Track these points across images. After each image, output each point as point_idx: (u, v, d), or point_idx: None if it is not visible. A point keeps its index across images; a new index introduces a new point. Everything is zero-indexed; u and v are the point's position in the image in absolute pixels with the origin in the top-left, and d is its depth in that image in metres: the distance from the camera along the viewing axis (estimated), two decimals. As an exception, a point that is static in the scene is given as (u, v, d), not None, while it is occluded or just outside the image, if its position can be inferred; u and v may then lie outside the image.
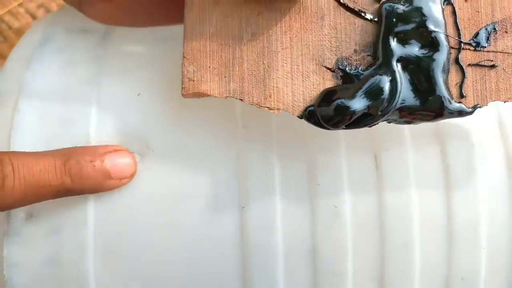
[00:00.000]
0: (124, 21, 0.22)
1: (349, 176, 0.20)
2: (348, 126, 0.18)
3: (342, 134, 0.21)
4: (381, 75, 0.18)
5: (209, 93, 0.19)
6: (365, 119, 0.18)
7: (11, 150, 0.20)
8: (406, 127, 0.21)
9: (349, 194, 0.20)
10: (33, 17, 0.41)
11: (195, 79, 0.19)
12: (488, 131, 0.21)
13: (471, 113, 0.18)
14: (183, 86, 0.19)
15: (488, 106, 0.18)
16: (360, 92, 0.18)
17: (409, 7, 0.18)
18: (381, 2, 0.19)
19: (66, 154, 0.19)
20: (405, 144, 0.21)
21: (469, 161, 0.20)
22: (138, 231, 0.20)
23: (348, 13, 0.19)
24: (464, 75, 0.18)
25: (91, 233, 0.20)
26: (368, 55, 0.19)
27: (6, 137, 0.20)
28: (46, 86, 0.21)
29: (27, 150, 0.19)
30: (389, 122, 0.19)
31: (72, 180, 0.19)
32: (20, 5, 0.41)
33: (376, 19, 0.19)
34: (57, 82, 0.21)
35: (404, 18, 0.18)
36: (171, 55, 0.22)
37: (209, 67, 0.19)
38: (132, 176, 0.20)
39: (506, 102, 0.18)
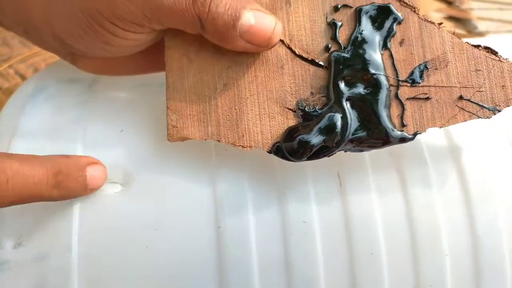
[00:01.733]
0: (111, 72, 0.26)
1: (316, 194, 0.22)
2: (310, 158, 0.21)
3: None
4: (334, 112, 0.21)
5: (191, 137, 0.22)
6: (323, 151, 0.21)
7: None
8: None
9: (317, 210, 0.22)
10: (23, 78, 0.43)
11: (178, 126, 0.22)
12: (438, 146, 0.24)
13: (412, 139, 0.21)
14: (168, 132, 0.22)
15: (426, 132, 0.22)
16: (317, 128, 0.21)
17: (353, 55, 0.22)
18: (329, 52, 0.22)
19: (57, 166, 0.21)
20: (365, 163, 0.23)
21: (424, 176, 0.23)
22: (121, 255, 0.22)
23: (304, 62, 0.22)
24: (404, 107, 0.22)
25: (75, 258, 0.21)
26: (322, 96, 0.22)
27: None
28: (37, 128, 0.24)
29: None
30: (345, 151, 0.22)
31: (59, 192, 0.20)
32: (10, 66, 0.44)
33: (326, 66, 0.22)
34: (47, 124, 0.24)
35: (349, 64, 0.21)
36: (151, 98, 0.25)
37: (190, 114, 0.22)
38: (100, 186, 0.22)
39: (441, 127, 0.22)
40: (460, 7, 0.49)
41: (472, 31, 0.47)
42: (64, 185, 0.21)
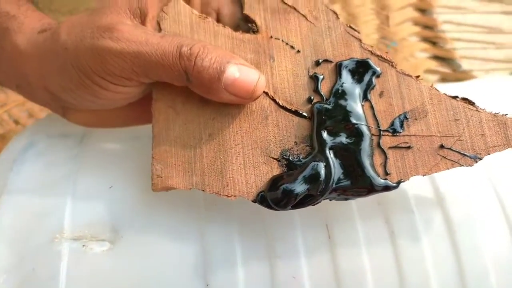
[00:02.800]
0: (102, 124, 0.26)
1: (305, 247, 0.22)
2: (294, 207, 0.21)
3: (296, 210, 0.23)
4: (318, 161, 0.21)
5: (175, 187, 0.22)
6: (307, 200, 0.21)
7: None
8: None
9: (306, 264, 0.22)
10: (17, 123, 0.44)
11: (162, 175, 0.22)
12: (424, 195, 0.24)
13: (396, 187, 0.21)
14: (153, 182, 0.22)
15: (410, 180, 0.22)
16: (301, 177, 0.21)
17: (335, 106, 0.22)
18: (312, 103, 0.23)
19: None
20: (353, 214, 0.23)
21: (412, 227, 0.23)
22: None
23: (287, 113, 0.23)
24: (386, 156, 0.22)
25: None
26: (306, 146, 0.22)
27: None
28: (27, 186, 0.24)
29: (4, 246, 0.21)
30: (330, 200, 0.22)
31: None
32: (5, 112, 0.44)
33: (310, 117, 0.23)
34: (37, 181, 0.24)
35: (331, 114, 0.22)
36: (141, 151, 0.25)
37: (175, 164, 0.22)
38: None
39: (424, 175, 0.22)
40: (444, 47, 0.51)
41: (456, 70, 0.50)
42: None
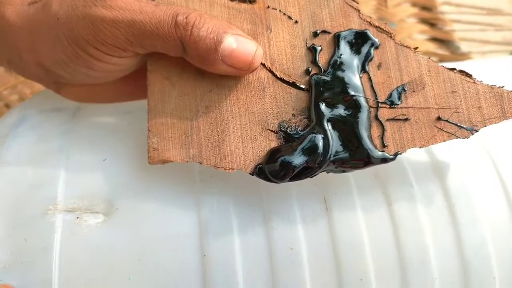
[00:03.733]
0: (95, 99, 0.26)
1: (302, 218, 0.22)
2: (292, 179, 0.21)
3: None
4: (316, 134, 0.21)
5: (172, 160, 0.22)
6: (305, 172, 0.21)
7: None
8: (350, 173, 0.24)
9: (304, 236, 0.22)
10: (8, 106, 0.42)
11: (159, 148, 0.22)
12: (422, 167, 0.24)
13: (393, 159, 0.21)
14: (149, 155, 0.22)
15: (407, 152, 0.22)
16: (299, 149, 0.21)
17: (333, 78, 0.22)
18: (310, 75, 0.22)
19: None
20: (351, 186, 0.23)
21: (410, 198, 0.23)
22: (106, 285, 0.21)
23: (285, 85, 0.23)
24: (384, 128, 0.22)
25: None
26: (304, 118, 0.22)
27: None
28: (20, 159, 0.23)
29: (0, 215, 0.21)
30: (328, 172, 0.22)
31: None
32: None
33: (307, 89, 0.22)
34: (30, 155, 0.24)
35: (329, 86, 0.22)
36: (134, 124, 0.25)
37: (171, 137, 0.22)
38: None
39: (421, 148, 0.22)
40: (442, 29, 0.51)
41: (455, 52, 0.49)
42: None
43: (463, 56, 0.49)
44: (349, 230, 0.22)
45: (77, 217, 0.22)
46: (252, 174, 0.22)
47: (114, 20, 0.20)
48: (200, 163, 0.22)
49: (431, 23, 0.52)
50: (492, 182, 0.23)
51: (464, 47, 0.50)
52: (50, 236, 0.21)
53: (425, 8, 0.53)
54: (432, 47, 0.50)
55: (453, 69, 0.22)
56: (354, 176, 0.23)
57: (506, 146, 0.24)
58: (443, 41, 0.51)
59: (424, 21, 0.52)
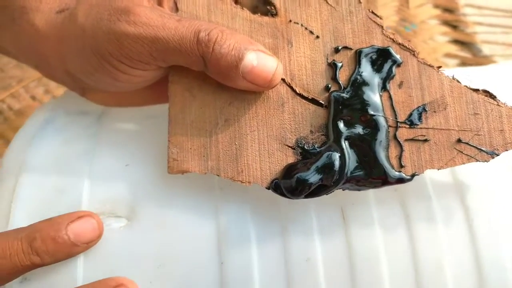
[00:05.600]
0: (119, 103, 0.26)
1: (319, 229, 0.22)
2: (307, 196, 0.21)
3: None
4: (333, 151, 0.21)
5: (190, 171, 0.22)
6: (321, 189, 0.21)
7: (11, 219, 0.22)
8: None
9: (320, 246, 0.21)
10: (34, 99, 0.43)
11: (178, 159, 0.22)
12: (442, 182, 0.23)
13: (410, 180, 0.21)
14: (169, 165, 0.22)
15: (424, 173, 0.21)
16: (315, 167, 0.21)
17: (352, 96, 0.21)
18: (329, 92, 0.22)
19: (31, 234, 0.20)
20: (368, 198, 0.22)
21: (429, 212, 0.22)
22: None
23: (304, 101, 0.22)
24: (402, 148, 0.21)
25: None
26: (322, 135, 0.22)
27: (8, 208, 0.22)
28: (45, 162, 0.24)
29: (24, 220, 0.21)
30: (343, 190, 0.21)
31: (41, 258, 0.20)
32: (22, 87, 0.43)
33: (326, 105, 0.22)
34: (55, 158, 0.24)
35: (348, 104, 0.21)
36: (157, 130, 0.24)
37: (190, 148, 0.22)
38: (98, 237, 0.21)
39: (439, 170, 0.21)
40: (464, 31, 0.49)
41: (476, 55, 0.47)
42: (42, 251, 0.20)
43: (485, 59, 0.47)
44: (365, 242, 0.22)
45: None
46: (268, 188, 0.21)
47: (138, 37, 0.20)
48: (218, 175, 0.22)
49: (453, 25, 0.50)
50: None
51: (486, 50, 0.48)
52: None
53: (447, 9, 0.51)
54: (453, 49, 0.48)
55: (476, 90, 0.21)
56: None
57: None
58: (465, 44, 0.49)
59: (446, 22, 0.50)
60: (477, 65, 0.48)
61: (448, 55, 0.49)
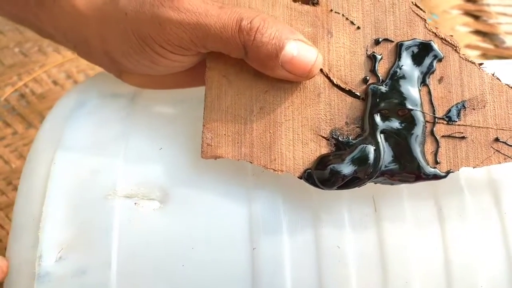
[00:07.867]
0: (155, 86, 0.25)
1: (351, 218, 0.21)
2: (340, 188, 0.20)
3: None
4: (367, 144, 0.20)
5: (224, 156, 0.21)
6: (354, 182, 0.20)
7: (46, 198, 0.22)
8: None
9: (351, 236, 0.21)
10: (55, 83, 0.42)
11: (212, 144, 0.21)
12: (476, 177, 0.22)
13: (445, 177, 0.20)
14: (202, 150, 0.21)
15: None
16: (349, 159, 0.20)
17: (391, 89, 0.20)
18: (367, 84, 0.21)
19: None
20: (401, 189, 0.21)
21: (462, 207, 0.21)
22: (158, 273, 0.21)
23: (341, 92, 0.21)
24: (438, 145, 0.20)
25: (114, 274, 0.21)
26: (357, 127, 0.21)
27: (43, 186, 0.22)
28: (80, 143, 0.23)
29: (60, 198, 0.21)
30: (376, 183, 0.21)
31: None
32: (44, 72, 0.43)
33: (363, 98, 0.21)
34: (90, 139, 0.23)
35: (386, 98, 0.20)
36: (189, 114, 0.24)
37: (225, 134, 0.21)
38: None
39: (475, 168, 0.20)
40: (487, 21, 0.46)
41: (499, 46, 0.45)
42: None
43: (508, 51, 0.45)
44: (396, 233, 0.21)
45: (135, 203, 0.22)
46: (300, 178, 0.21)
47: (181, 22, 0.19)
48: (251, 162, 0.21)
49: (475, 15, 0.48)
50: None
51: (509, 41, 0.45)
52: (110, 220, 0.21)
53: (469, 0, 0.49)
54: (475, 39, 0.46)
55: (517, 89, 0.20)
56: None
57: None
58: (487, 34, 0.46)
59: (468, 13, 0.48)
60: (499, 56, 0.47)
61: (469, 46, 0.47)
